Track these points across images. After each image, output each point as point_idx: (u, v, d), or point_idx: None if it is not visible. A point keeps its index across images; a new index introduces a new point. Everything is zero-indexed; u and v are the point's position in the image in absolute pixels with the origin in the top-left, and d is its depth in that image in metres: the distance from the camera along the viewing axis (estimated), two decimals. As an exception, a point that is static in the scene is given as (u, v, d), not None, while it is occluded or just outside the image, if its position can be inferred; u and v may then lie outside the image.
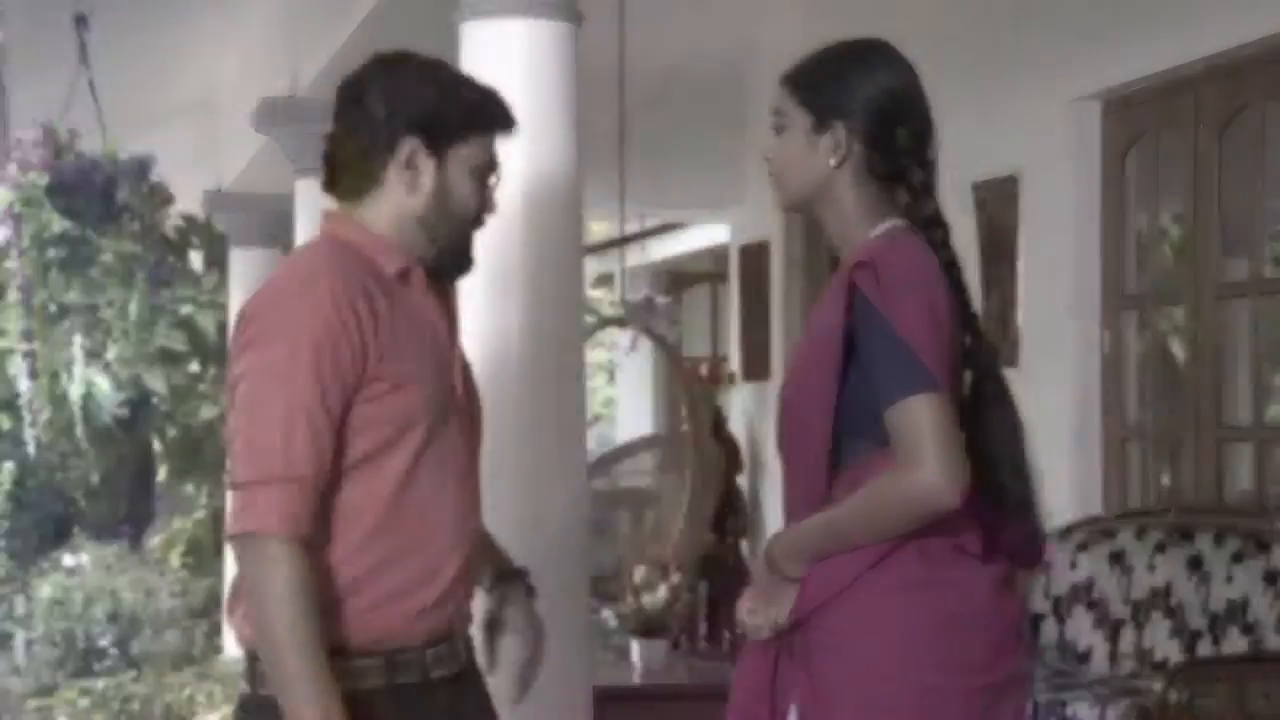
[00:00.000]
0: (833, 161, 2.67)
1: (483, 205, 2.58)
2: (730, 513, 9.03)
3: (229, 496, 2.49)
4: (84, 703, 6.23)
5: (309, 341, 2.40)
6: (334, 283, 2.44)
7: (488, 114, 2.57)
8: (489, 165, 2.58)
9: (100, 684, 6.05)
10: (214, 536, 13.45)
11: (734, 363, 9.56)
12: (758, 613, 2.66)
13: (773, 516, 9.01)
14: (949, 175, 8.16)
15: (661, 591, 5.65)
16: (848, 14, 7.96)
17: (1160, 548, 5.54)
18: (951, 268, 2.66)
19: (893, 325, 2.50)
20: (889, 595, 2.54)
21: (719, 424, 9.00)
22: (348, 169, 2.57)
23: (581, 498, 3.93)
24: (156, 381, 6.41)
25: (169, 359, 12.61)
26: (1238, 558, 5.31)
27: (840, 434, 2.59)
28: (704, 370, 10.23)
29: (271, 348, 2.42)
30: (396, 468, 2.47)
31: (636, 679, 5.84)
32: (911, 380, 2.48)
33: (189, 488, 14.53)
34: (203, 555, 13.67)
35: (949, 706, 2.53)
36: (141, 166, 5.53)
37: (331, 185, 2.62)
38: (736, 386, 9.52)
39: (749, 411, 9.35)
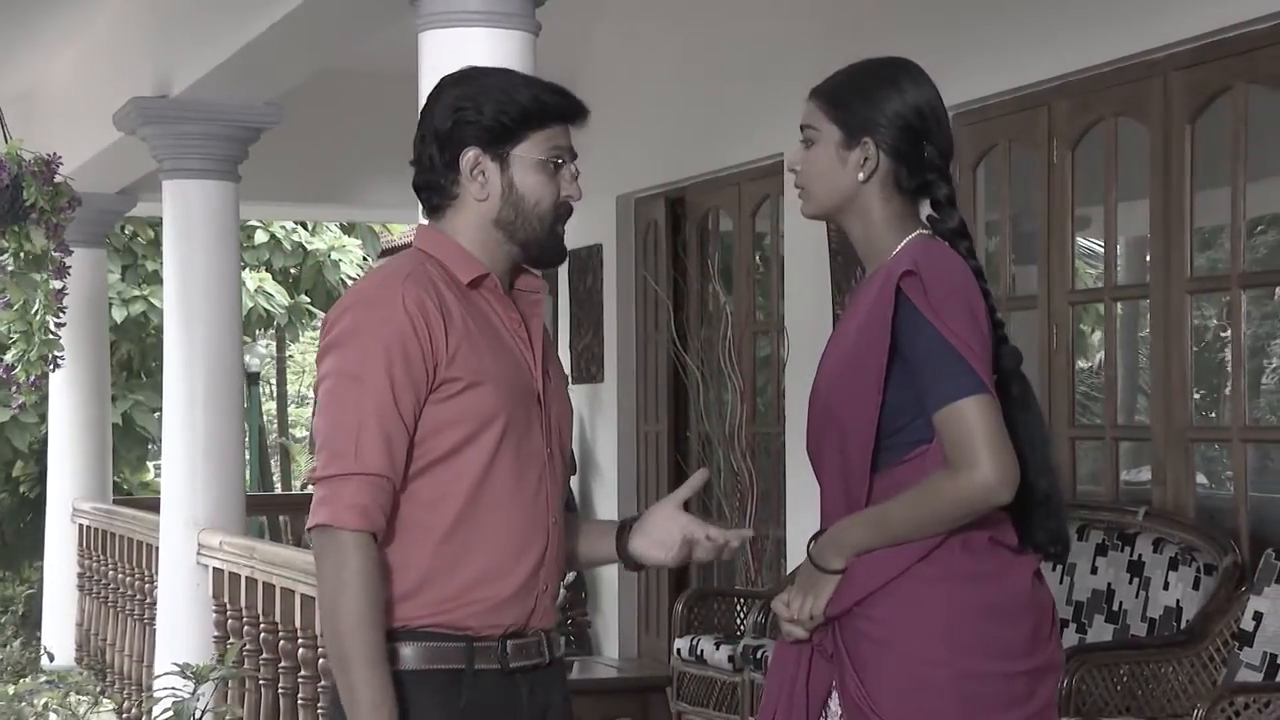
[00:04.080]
0: (861, 176, 2.80)
1: (557, 194, 2.67)
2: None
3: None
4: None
5: (382, 345, 2.52)
6: (407, 289, 2.55)
7: (545, 109, 2.66)
8: (556, 157, 2.66)
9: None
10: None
11: (564, 365, 9.66)
12: (793, 604, 2.77)
13: (604, 517, 9.15)
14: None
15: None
16: (683, 31, 8.15)
17: (1024, 541, 5.81)
18: (978, 276, 2.81)
19: (940, 331, 2.64)
20: (934, 586, 2.67)
21: (550, 425, 9.12)
22: (426, 188, 2.70)
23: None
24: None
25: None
26: (1101, 550, 5.61)
27: (879, 435, 2.72)
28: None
29: (348, 351, 2.55)
30: (475, 462, 2.57)
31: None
32: (961, 384, 2.63)
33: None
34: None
35: (991, 691, 2.66)
36: (48, 166, 5.42)
37: (423, 206, 2.74)
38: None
39: (581, 414, 9.46)
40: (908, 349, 2.68)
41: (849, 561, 2.72)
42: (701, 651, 6.66)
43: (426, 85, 4.04)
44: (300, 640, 5.19)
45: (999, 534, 2.72)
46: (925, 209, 2.92)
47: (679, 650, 6.78)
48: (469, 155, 2.63)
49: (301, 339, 18.70)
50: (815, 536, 2.83)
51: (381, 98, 8.51)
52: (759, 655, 6.31)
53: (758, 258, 8.34)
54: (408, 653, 2.55)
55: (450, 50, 3.86)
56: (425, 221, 2.74)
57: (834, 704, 2.77)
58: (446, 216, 2.69)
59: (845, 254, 7.20)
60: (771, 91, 7.64)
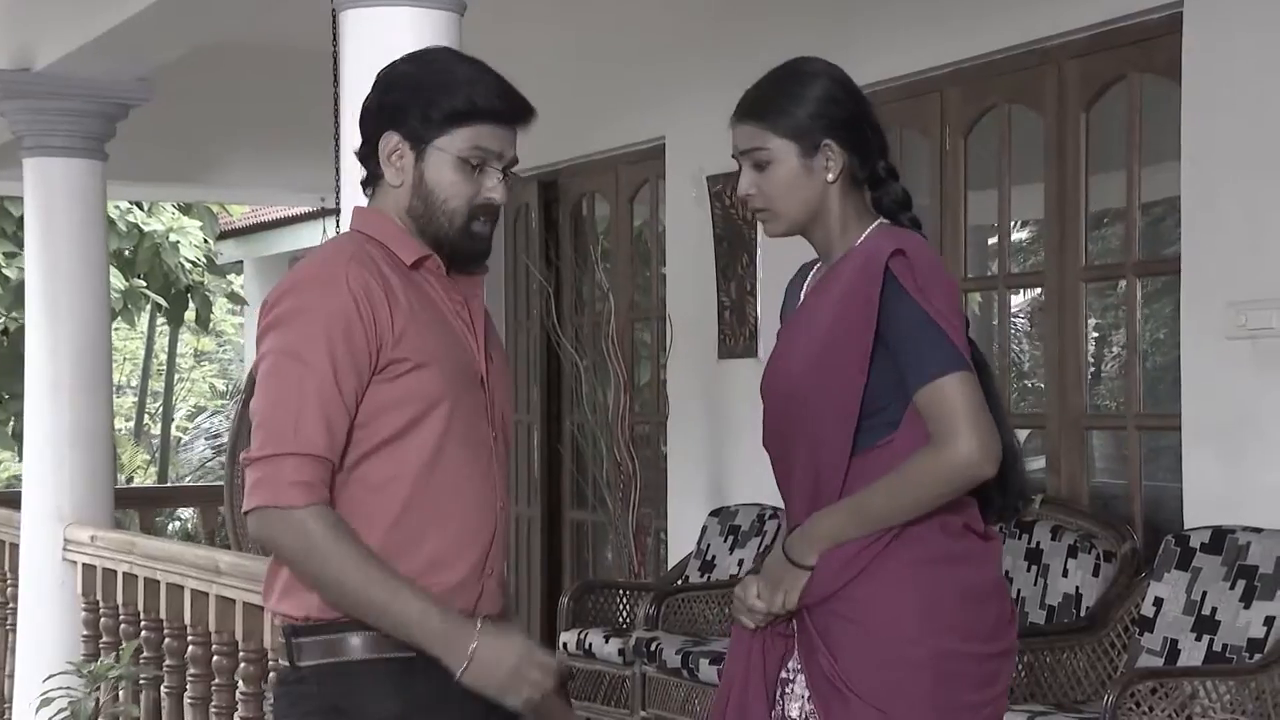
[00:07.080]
0: (830, 177, 2.77)
1: (472, 194, 2.59)
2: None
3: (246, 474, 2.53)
4: None
5: (323, 325, 2.49)
6: (350, 270, 2.52)
7: (474, 109, 2.58)
8: (477, 157, 2.59)
9: None
10: None
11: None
12: (764, 596, 2.74)
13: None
14: (689, 167, 8.31)
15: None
16: (559, 11, 8.00)
17: (920, 529, 5.80)
18: None
19: (925, 310, 2.64)
20: (912, 567, 2.66)
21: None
22: (361, 162, 2.66)
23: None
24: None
25: None
26: (999, 537, 5.61)
27: (859, 417, 2.68)
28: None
29: (288, 331, 2.51)
30: (423, 446, 2.54)
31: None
32: (944, 361, 2.63)
33: None
34: None
35: (963, 671, 2.68)
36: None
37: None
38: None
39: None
40: (888, 328, 2.67)
41: (823, 553, 2.69)
42: (590, 645, 6.54)
43: (348, 67, 3.89)
44: (190, 637, 4.97)
45: (971, 520, 2.74)
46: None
47: (565, 644, 6.66)
48: (390, 140, 2.59)
49: (137, 325, 18.19)
50: (790, 530, 2.79)
51: (253, 73, 8.24)
52: (652, 648, 6.22)
53: (632, 243, 8.23)
54: (357, 642, 2.51)
55: (372, 30, 3.73)
56: (362, 204, 2.69)
57: (798, 687, 2.75)
58: (375, 196, 2.66)
59: (730, 239, 7.13)
60: (651, 75, 7.55)
